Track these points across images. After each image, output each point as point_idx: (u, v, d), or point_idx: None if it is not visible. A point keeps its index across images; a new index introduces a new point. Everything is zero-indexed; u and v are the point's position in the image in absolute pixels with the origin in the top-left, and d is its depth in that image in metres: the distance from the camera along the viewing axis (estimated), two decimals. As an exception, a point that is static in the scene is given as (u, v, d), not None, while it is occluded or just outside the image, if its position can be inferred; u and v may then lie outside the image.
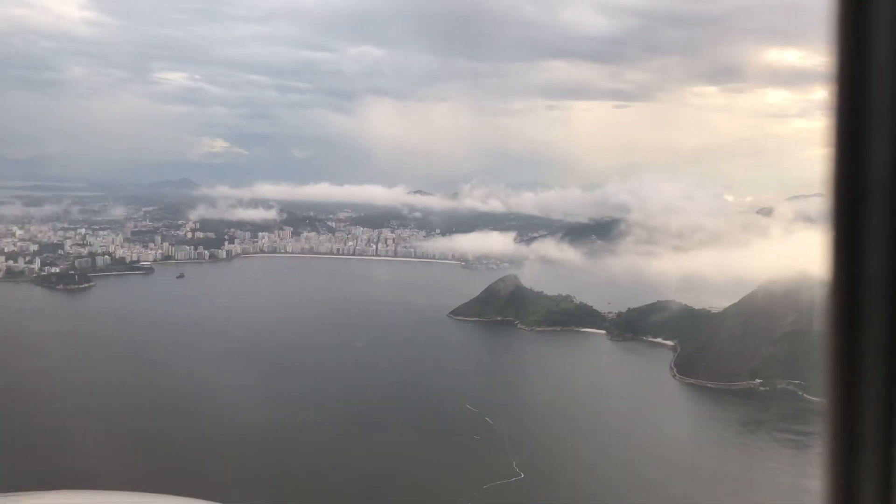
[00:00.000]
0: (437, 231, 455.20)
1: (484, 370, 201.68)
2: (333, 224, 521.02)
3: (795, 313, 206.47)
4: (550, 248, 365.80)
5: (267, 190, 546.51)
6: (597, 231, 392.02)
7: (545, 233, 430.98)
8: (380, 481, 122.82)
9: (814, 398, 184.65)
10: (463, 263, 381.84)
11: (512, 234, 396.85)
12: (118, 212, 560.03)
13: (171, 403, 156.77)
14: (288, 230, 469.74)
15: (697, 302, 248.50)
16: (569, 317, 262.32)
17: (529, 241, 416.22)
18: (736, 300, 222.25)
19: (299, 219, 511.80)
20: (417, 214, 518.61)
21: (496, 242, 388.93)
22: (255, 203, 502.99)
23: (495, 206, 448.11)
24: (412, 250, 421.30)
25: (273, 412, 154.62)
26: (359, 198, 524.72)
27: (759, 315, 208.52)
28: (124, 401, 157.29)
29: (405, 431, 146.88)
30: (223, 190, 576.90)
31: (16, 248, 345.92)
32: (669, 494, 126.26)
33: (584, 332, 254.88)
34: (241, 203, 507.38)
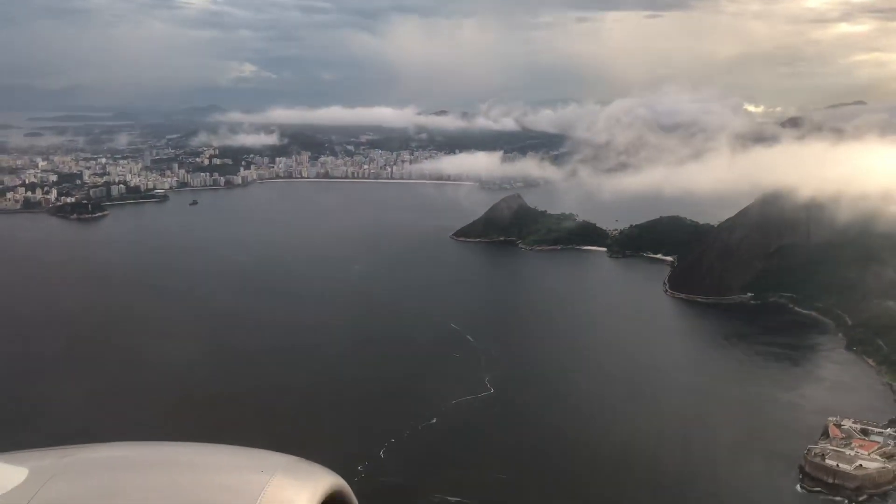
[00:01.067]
0: (456, 151, 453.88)
1: (476, 290, 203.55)
2: (352, 148, 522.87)
3: (793, 226, 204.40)
4: (561, 165, 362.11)
5: (288, 115, 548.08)
6: (609, 147, 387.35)
7: (560, 151, 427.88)
8: (352, 398, 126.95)
9: (803, 311, 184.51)
10: (477, 184, 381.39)
11: (527, 153, 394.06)
12: (141, 140, 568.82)
13: (165, 326, 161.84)
14: (305, 155, 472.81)
15: (703, 217, 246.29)
16: (571, 235, 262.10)
17: (544, 159, 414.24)
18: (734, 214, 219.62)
19: (319, 143, 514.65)
20: (423, 136, 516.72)
21: (507, 162, 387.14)
22: (272, 128, 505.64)
23: (508, 125, 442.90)
24: (427, 172, 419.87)
25: (260, 336, 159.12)
26: (369, 120, 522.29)
27: (755, 229, 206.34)
28: (122, 324, 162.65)
29: (386, 352, 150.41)
30: (244, 116, 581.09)
31: (36, 180, 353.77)
32: (640, 405, 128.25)
33: (584, 249, 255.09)
34: (260, 129, 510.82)
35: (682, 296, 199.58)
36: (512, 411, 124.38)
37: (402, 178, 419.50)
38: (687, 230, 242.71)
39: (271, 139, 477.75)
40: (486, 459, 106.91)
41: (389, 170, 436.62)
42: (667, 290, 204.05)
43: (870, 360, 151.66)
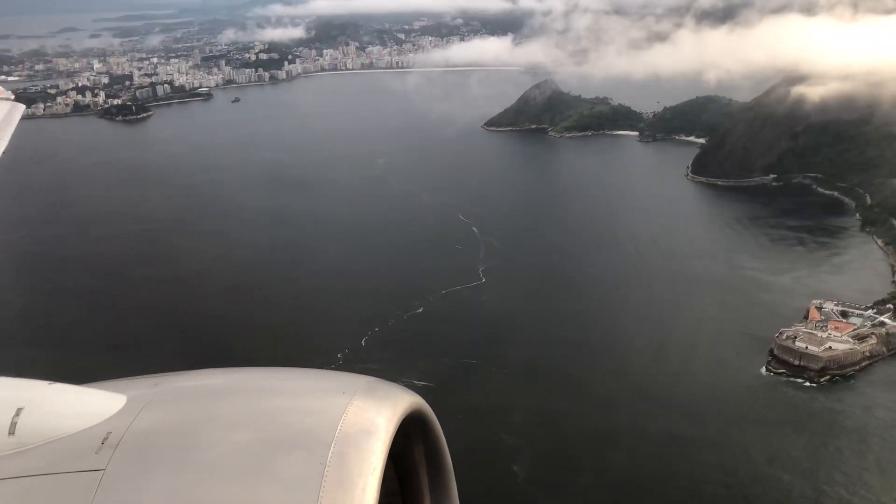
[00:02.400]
0: (508, 34, 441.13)
1: (493, 180, 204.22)
2: (402, 36, 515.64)
3: (822, 104, 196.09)
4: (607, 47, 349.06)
5: (337, 5, 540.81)
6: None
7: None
8: (344, 288, 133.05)
9: (826, 191, 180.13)
10: (522, 70, 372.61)
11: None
12: (197, 37, 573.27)
13: (184, 224, 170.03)
14: (353, 46, 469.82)
15: (742, 95, 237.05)
16: (603, 120, 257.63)
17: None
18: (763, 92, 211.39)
19: (372, 31, 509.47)
20: (458, 21, 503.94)
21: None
22: (312, 20, 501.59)
23: (554, 4, 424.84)
24: (475, 58, 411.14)
25: (272, 230, 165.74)
26: (424, 5, 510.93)
27: (782, 107, 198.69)
28: (147, 223, 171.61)
29: (387, 243, 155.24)
30: (286, 9, 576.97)
31: (88, 83, 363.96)
32: (630, 291, 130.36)
33: (616, 134, 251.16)
34: (303, 21, 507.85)
35: (703, 180, 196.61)
36: (497, 301, 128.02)
37: (447, 66, 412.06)
38: (722, 112, 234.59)
39: (304, 32, 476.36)
40: (460, 347, 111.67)
41: (435, 57, 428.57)
42: (688, 175, 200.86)
43: (879, 241, 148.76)
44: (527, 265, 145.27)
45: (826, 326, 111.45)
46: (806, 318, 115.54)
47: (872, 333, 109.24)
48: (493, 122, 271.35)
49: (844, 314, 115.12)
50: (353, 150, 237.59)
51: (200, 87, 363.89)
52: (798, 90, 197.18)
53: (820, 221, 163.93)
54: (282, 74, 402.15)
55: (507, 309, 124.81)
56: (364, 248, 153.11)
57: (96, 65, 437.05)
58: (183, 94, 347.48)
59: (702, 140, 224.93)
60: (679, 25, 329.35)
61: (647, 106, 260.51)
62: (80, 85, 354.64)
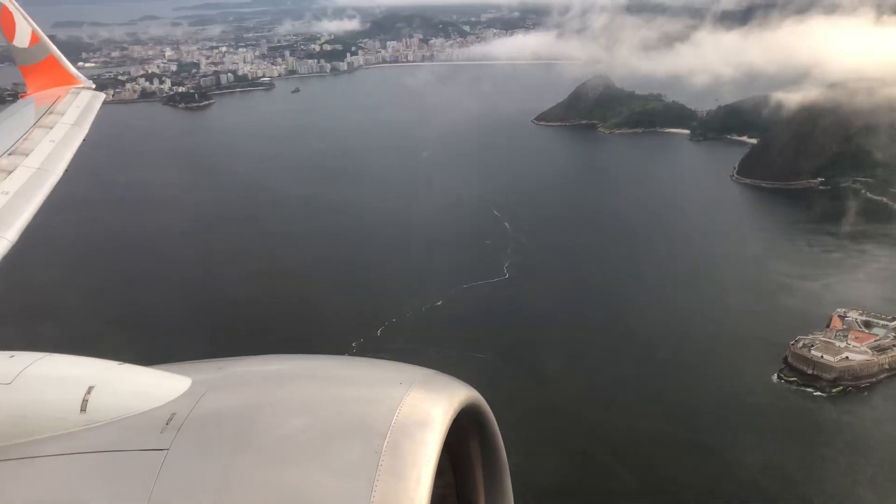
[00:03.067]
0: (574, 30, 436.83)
1: (534, 176, 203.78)
2: (468, 28, 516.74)
3: (876, 108, 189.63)
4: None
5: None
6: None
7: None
8: (369, 278, 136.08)
9: (875, 197, 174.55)
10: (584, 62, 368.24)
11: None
12: (269, 27, 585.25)
13: (231, 210, 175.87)
14: (416, 38, 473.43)
15: (802, 96, 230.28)
16: (655, 117, 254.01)
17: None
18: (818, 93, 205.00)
19: (437, 24, 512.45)
20: (515, 14, 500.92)
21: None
22: (377, 11, 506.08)
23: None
24: (540, 52, 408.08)
25: (310, 219, 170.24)
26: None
27: (833, 110, 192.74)
28: (191, 209, 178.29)
29: (416, 236, 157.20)
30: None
31: (158, 70, 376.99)
32: (656, 290, 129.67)
33: (667, 132, 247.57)
34: (369, 12, 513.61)
35: (748, 181, 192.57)
36: (516, 297, 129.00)
37: (509, 59, 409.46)
38: (777, 112, 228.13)
39: (359, 24, 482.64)
40: (471, 341, 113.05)
41: (497, 50, 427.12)
42: (733, 176, 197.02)
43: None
44: (553, 262, 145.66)
45: (846, 336, 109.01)
46: (827, 326, 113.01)
47: (893, 345, 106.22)
48: (542, 117, 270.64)
49: (867, 324, 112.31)
50: (400, 142, 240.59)
51: (263, 76, 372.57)
52: (851, 92, 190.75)
53: (863, 228, 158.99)
54: (343, 66, 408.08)
55: (525, 306, 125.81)
56: (393, 241, 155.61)
57: (168, 53, 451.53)
58: (245, 84, 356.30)
59: (753, 140, 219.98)
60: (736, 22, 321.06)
61: (703, 104, 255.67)
62: (149, 72, 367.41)
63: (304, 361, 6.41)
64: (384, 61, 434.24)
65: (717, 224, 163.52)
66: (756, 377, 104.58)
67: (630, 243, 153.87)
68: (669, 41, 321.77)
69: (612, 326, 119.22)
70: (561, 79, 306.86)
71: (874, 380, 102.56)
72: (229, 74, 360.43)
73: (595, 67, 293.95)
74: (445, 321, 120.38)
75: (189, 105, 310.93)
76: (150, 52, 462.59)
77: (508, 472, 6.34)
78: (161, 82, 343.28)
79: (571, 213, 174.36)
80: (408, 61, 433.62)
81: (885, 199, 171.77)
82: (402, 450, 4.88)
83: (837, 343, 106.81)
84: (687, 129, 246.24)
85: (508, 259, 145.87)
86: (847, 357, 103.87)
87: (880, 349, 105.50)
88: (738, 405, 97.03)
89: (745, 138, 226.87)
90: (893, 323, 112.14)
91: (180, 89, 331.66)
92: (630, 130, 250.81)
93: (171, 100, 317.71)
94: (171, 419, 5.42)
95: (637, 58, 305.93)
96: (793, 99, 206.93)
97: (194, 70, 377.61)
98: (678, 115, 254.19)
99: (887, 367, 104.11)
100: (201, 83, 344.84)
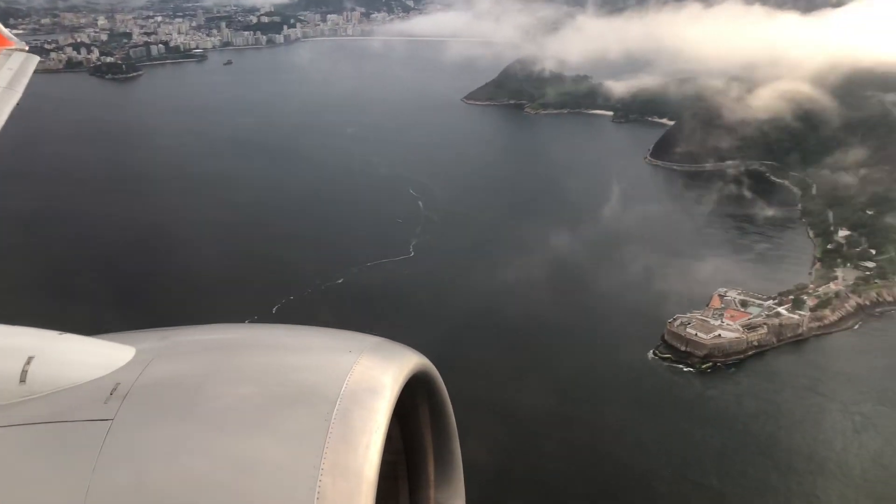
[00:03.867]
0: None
1: (453, 155, 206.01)
2: (411, 3, 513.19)
3: (793, 93, 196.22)
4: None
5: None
6: None
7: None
8: (273, 254, 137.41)
9: (778, 180, 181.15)
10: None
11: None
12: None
13: (140, 185, 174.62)
14: (358, 12, 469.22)
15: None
16: (580, 98, 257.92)
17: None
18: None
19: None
20: None
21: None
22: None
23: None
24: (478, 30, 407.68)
25: (230, 193, 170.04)
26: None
27: (750, 95, 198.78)
28: (105, 182, 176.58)
29: (327, 212, 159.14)
30: None
31: (88, 39, 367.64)
32: (548, 274, 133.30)
33: (591, 114, 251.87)
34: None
35: (659, 163, 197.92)
36: (419, 275, 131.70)
37: (450, 36, 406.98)
38: (695, 94, 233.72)
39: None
40: (366, 318, 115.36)
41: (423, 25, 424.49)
42: (646, 158, 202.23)
43: (811, 232, 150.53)
44: (460, 241, 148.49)
45: (722, 315, 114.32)
46: (707, 305, 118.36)
47: (764, 323, 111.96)
48: (472, 96, 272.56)
49: (744, 303, 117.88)
50: (327, 117, 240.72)
51: (196, 48, 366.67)
52: (763, 78, 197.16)
53: (763, 210, 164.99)
54: (280, 38, 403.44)
55: (426, 284, 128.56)
56: (302, 218, 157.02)
57: (101, 21, 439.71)
58: (177, 55, 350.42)
59: (671, 122, 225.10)
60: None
61: (626, 85, 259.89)
62: (77, 41, 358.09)
63: (251, 330, 6.47)
64: (323, 35, 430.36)
65: (622, 205, 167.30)
66: (634, 354, 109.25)
67: (538, 223, 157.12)
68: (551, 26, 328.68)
69: (504, 302, 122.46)
70: (494, 57, 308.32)
71: (742, 356, 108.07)
72: (160, 45, 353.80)
73: (525, 48, 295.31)
74: (342, 299, 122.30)
75: (116, 76, 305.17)
76: (83, 21, 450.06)
77: (458, 438, 6.45)
78: (89, 52, 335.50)
79: (487, 192, 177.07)
80: (347, 35, 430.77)
81: (786, 183, 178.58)
82: (351, 417, 4.90)
83: (712, 321, 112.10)
84: (610, 110, 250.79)
85: (416, 237, 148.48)
86: (719, 335, 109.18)
87: (751, 327, 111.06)
88: (611, 380, 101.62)
89: (665, 120, 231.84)
90: (768, 302, 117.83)
91: (108, 60, 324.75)
92: (556, 111, 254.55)
93: (98, 70, 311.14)
94: (115, 389, 5.34)
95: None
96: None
97: (125, 40, 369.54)
98: (604, 96, 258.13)
99: (756, 344, 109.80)
100: (130, 54, 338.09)
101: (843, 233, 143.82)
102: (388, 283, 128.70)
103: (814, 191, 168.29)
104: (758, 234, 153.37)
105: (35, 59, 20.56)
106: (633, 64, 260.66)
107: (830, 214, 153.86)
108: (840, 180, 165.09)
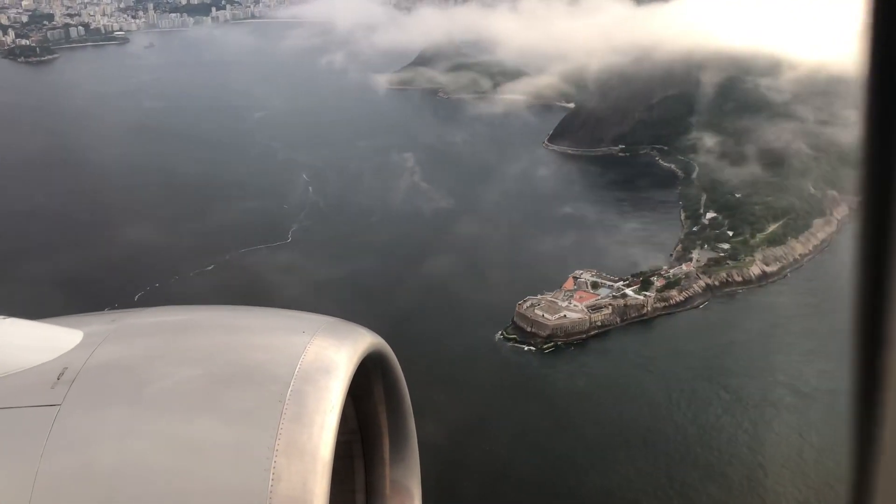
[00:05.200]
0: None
1: (357, 141, 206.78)
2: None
3: (680, 77, 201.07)
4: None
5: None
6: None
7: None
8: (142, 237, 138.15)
9: (665, 164, 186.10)
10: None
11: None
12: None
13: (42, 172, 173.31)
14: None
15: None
16: (497, 83, 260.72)
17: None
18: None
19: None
20: None
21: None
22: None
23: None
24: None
25: (124, 178, 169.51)
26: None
27: (636, 79, 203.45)
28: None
29: (212, 195, 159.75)
30: None
31: (8, 21, 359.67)
32: (424, 259, 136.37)
33: (506, 97, 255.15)
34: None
35: (556, 148, 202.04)
36: (292, 262, 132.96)
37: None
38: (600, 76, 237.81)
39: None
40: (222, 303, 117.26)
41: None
42: (544, 142, 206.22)
43: (683, 215, 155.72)
44: (341, 227, 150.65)
45: (572, 296, 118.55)
46: (560, 287, 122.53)
47: (609, 304, 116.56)
48: (391, 80, 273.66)
49: (595, 285, 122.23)
50: (239, 101, 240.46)
51: (119, 30, 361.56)
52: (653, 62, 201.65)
53: (644, 192, 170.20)
54: (207, 21, 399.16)
55: (293, 270, 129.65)
56: (185, 202, 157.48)
57: (25, 2, 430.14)
58: (98, 38, 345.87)
59: (573, 105, 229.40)
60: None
61: (541, 69, 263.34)
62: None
63: (203, 312, 6.33)
64: (253, 17, 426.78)
65: (509, 189, 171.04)
66: (484, 336, 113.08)
67: (420, 208, 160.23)
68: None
69: (373, 287, 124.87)
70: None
71: (584, 336, 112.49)
72: (80, 28, 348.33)
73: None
74: (209, 287, 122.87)
75: (29, 59, 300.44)
76: (7, 1, 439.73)
77: (413, 418, 6.49)
78: (4, 34, 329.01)
79: (378, 177, 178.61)
80: (277, 18, 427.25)
81: (673, 166, 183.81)
82: (305, 396, 4.85)
83: (561, 303, 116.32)
84: (525, 95, 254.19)
85: (298, 223, 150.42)
86: (565, 316, 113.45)
87: (596, 308, 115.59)
88: (456, 361, 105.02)
89: (573, 105, 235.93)
90: (618, 283, 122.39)
91: (24, 42, 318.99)
92: (468, 95, 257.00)
93: (11, 53, 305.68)
94: (62, 373, 5.21)
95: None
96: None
97: (46, 22, 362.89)
98: (517, 81, 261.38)
99: (599, 324, 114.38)
100: (48, 36, 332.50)
101: (709, 215, 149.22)
102: (257, 270, 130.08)
103: (695, 175, 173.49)
104: (634, 217, 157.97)
105: None
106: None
107: (704, 197, 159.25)
108: (718, 164, 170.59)
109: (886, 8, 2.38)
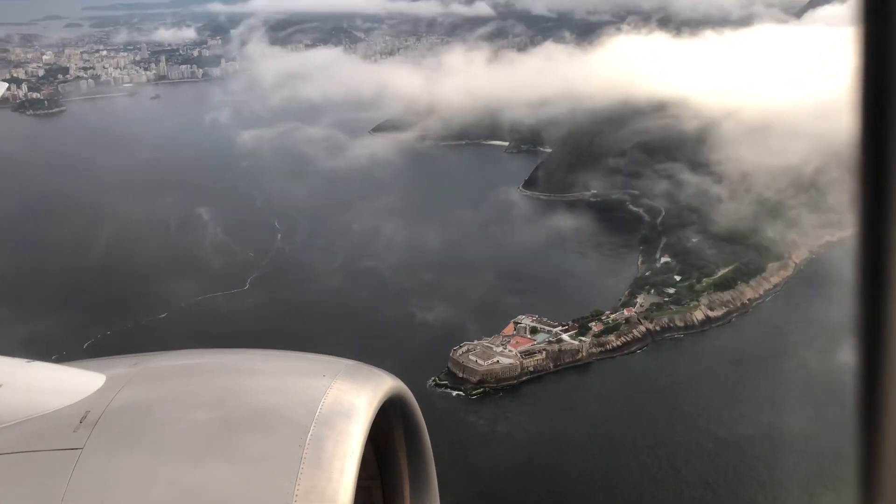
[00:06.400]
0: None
1: (335, 188, 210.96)
2: (362, 35, 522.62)
3: (652, 125, 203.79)
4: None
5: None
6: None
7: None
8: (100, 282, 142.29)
9: (634, 208, 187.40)
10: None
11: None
12: (164, 32, 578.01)
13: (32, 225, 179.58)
14: (302, 44, 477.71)
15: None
16: (478, 129, 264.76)
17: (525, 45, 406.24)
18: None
19: (330, 30, 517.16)
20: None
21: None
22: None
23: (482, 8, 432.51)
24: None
25: (100, 225, 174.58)
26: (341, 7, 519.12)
27: (611, 125, 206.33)
28: None
29: (178, 241, 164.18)
30: (224, 7, 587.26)
31: (25, 75, 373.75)
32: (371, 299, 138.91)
33: (488, 144, 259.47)
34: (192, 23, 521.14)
35: (529, 193, 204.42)
36: (246, 311, 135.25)
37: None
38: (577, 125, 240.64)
39: (195, 33, 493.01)
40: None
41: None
42: (519, 188, 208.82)
43: (640, 259, 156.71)
44: (302, 273, 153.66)
45: (508, 341, 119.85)
46: (499, 333, 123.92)
47: (544, 350, 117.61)
48: (380, 128, 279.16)
49: (534, 330, 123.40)
50: (229, 151, 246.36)
51: (128, 82, 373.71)
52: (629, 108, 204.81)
53: (609, 238, 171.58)
54: (217, 72, 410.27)
55: (239, 318, 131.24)
56: (154, 249, 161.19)
57: (45, 56, 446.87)
58: (106, 90, 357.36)
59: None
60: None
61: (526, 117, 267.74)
62: (11, 75, 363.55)
63: (223, 356, 6.42)
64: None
65: (469, 235, 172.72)
66: (417, 382, 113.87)
67: (390, 255, 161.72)
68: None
69: (314, 335, 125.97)
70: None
71: (515, 382, 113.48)
72: (90, 80, 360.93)
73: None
74: (160, 335, 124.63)
75: (37, 112, 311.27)
76: (30, 56, 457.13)
77: (433, 462, 6.47)
78: (18, 87, 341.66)
79: (351, 224, 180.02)
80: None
81: (640, 211, 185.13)
82: (326, 441, 4.87)
83: (496, 348, 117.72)
84: (507, 140, 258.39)
85: (259, 271, 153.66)
86: (497, 361, 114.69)
87: (529, 353, 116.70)
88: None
89: (550, 150, 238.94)
90: (557, 329, 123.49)
91: (35, 96, 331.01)
92: (454, 142, 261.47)
93: (21, 106, 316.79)
94: (84, 417, 5.27)
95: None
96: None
97: (60, 76, 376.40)
98: (504, 127, 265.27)
99: (532, 369, 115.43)
100: (59, 89, 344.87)
101: (664, 259, 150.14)
102: (210, 319, 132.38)
103: (659, 219, 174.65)
104: (594, 261, 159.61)
105: (3, 86, 20.73)
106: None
107: (663, 241, 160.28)
108: (681, 209, 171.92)
109: (877, 15, 2.37)
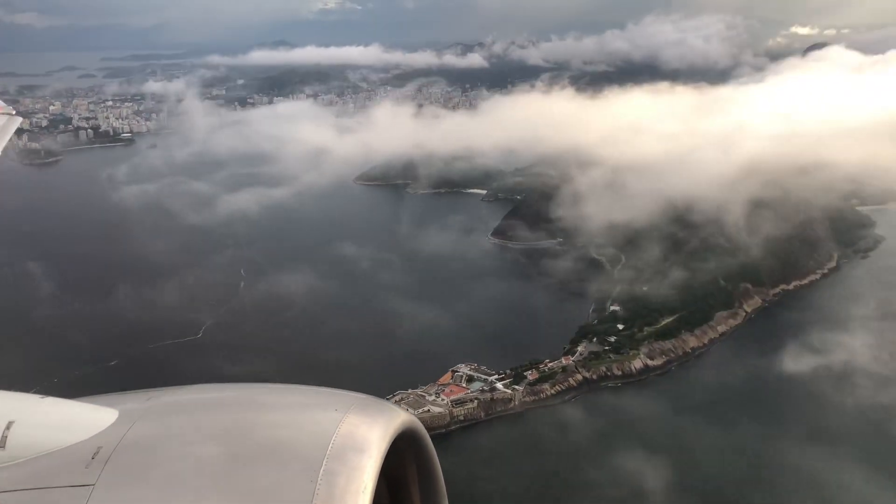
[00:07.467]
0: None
1: (308, 237, 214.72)
2: (365, 85, 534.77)
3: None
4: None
5: (276, 56, 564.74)
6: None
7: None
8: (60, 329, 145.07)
9: (595, 256, 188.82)
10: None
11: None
12: (184, 78, 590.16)
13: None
14: (304, 94, 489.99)
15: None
16: (459, 178, 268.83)
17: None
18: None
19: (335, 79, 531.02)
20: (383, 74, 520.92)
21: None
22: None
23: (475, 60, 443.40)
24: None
25: (60, 274, 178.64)
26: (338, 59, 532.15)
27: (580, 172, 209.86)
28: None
29: (139, 293, 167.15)
30: (222, 59, 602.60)
31: (28, 125, 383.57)
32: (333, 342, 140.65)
33: (467, 192, 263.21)
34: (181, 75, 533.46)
35: (497, 241, 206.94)
36: (198, 359, 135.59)
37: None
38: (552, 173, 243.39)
39: (184, 85, 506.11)
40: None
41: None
42: (489, 236, 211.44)
43: (592, 307, 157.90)
44: (258, 322, 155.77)
45: (443, 390, 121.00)
46: (435, 381, 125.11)
47: (475, 398, 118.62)
48: (363, 177, 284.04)
49: (470, 378, 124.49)
50: (215, 193, 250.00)
51: (129, 132, 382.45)
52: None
53: (567, 286, 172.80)
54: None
55: (183, 366, 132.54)
56: (109, 296, 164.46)
57: (52, 107, 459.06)
58: (106, 140, 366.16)
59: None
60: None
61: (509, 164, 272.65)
62: (19, 127, 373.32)
63: (236, 390, 6.47)
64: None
65: (441, 281, 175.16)
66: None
67: (353, 305, 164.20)
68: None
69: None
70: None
71: (444, 431, 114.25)
72: (89, 130, 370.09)
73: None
74: (106, 383, 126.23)
75: (33, 162, 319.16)
76: (38, 106, 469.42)
77: (446, 497, 6.48)
78: (18, 138, 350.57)
79: (321, 273, 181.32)
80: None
81: (601, 259, 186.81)
82: (338, 476, 4.89)
83: (428, 397, 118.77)
84: (486, 189, 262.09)
85: (213, 318, 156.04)
86: (428, 410, 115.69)
87: (460, 402, 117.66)
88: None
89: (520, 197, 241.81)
90: (493, 377, 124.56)
91: (33, 146, 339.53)
92: (433, 190, 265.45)
93: (20, 156, 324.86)
94: (96, 453, 5.31)
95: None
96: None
97: (62, 126, 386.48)
98: (484, 175, 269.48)
99: (462, 418, 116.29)
100: (57, 139, 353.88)
101: (612, 307, 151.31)
102: (157, 367, 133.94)
103: (618, 267, 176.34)
104: (546, 308, 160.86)
105: (18, 121, 22.28)
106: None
107: (617, 289, 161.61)
108: (641, 257, 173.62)
109: None
